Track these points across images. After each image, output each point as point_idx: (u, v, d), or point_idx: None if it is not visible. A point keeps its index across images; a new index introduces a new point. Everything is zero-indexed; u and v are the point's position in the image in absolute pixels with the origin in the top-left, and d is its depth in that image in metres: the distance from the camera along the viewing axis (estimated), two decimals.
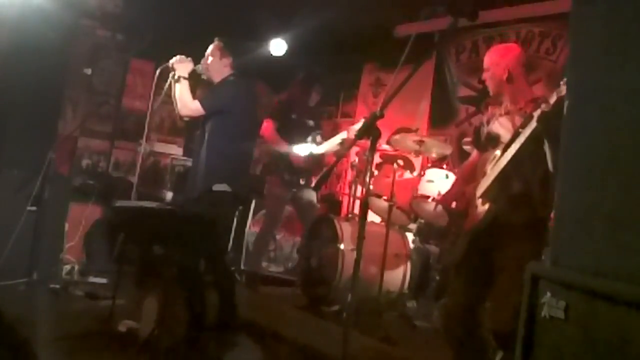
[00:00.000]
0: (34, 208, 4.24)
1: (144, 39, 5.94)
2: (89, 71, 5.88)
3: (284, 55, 5.98)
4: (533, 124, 2.07)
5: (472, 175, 2.58)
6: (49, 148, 4.36)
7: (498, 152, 2.36)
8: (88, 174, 5.75)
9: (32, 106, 4.30)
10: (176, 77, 3.37)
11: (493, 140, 2.48)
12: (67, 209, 4.72)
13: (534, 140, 2.12)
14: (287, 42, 5.89)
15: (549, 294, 1.18)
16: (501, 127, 2.48)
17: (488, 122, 2.59)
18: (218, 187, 3.27)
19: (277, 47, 5.91)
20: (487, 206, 2.31)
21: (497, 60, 2.51)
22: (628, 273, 1.04)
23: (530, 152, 2.17)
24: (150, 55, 6.14)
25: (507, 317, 2.12)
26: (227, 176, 3.30)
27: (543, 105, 2.01)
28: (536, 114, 2.04)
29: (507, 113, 2.49)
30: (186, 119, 3.58)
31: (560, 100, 1.88)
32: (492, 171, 2.33)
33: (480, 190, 2.39)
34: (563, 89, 1.84)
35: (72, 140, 5.65)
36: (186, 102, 3.36)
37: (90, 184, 5.26)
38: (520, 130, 2.24)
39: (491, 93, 2.56)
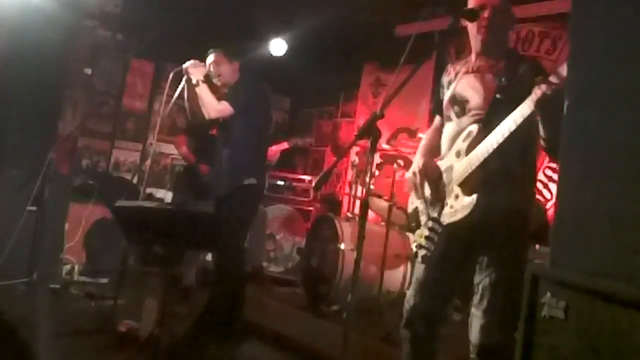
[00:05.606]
0: (34, 208, 4.24)
1: (144, 39, 5.93)
2: (89, 71, 5.87)
3: (283, 55, 5.97)
4: (527, 110, 1.81)
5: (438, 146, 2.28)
6: (49, 148, 4.36)
7: (473, 127, 2.04)
8: (88, 174, 5.75)
9: (32, 106, 4.30)
10: (194, 81, 3.37)
11: (459, 105, 2.14)
12: (67, 209, 4.72)
13: (527, 124, 1.85)
14: (287, 42, 5.88)
15: (549, 294, 1.18)
16: (470, 88, 2.13)
17: (449, 84, 2.25)
18: (248, 181, 3.37)
19: (277, 47, 5.90)
20: (472, 198, 1.98)
21: None
22: (628, 273, 1.05)
23: (521, 135, 1.88)
24: (150, 55, 6.15)
25: (496, 331, 1.95)
26: (253, 171, 3.42)
27: (543, 87, 1.75)
28: (532, 98, 1.79)
29: (476, 70, 2.15)
30: (211, 121, 3.51)
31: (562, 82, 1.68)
32: (474, 155, 1.99)
33: (459, 177, 2.05)
34: (563, 71, 1.66)
35: (72, 140, 5.65)
36: (213, 105, 3.37)
37: (90, 184, 5.26)
38: (498, 96, 1.95)
39: (485, 40, 2.13)
